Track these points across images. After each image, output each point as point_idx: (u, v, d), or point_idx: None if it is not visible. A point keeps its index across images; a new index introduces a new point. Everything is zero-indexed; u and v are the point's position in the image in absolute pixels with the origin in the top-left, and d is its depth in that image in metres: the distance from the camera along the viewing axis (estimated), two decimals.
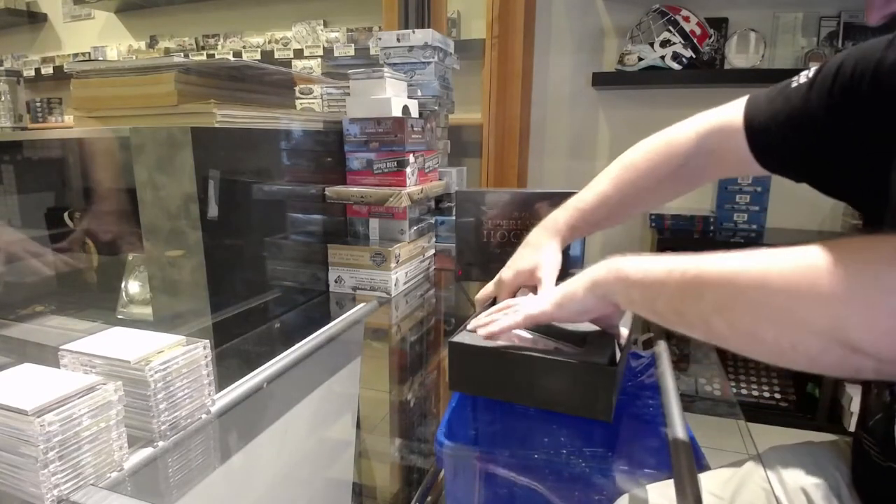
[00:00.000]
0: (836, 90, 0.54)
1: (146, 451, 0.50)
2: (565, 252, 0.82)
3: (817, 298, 0.35)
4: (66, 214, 1.06)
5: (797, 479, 0.61)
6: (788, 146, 0.60)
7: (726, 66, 2.05)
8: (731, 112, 0.67)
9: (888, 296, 0.32)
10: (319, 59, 2.81)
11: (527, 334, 0.64)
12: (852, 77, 0.52)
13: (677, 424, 0.50)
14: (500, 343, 0.61)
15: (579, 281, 0.56)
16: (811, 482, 0.60)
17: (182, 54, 3.09)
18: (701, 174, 0.74)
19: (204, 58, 2.97)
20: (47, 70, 3.39)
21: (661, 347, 0.63)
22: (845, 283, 0.34)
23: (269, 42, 2.93)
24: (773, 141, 0.61)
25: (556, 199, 1.06)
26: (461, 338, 0.62)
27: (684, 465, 0.43)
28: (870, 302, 0.33)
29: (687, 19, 2.00)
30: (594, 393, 0.54)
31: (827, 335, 0.35)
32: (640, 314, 0.51)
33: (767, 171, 0.64)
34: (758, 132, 0.63)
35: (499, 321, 0.61)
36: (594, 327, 0.65)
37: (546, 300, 0.59)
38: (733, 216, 2.07)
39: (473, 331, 0.63)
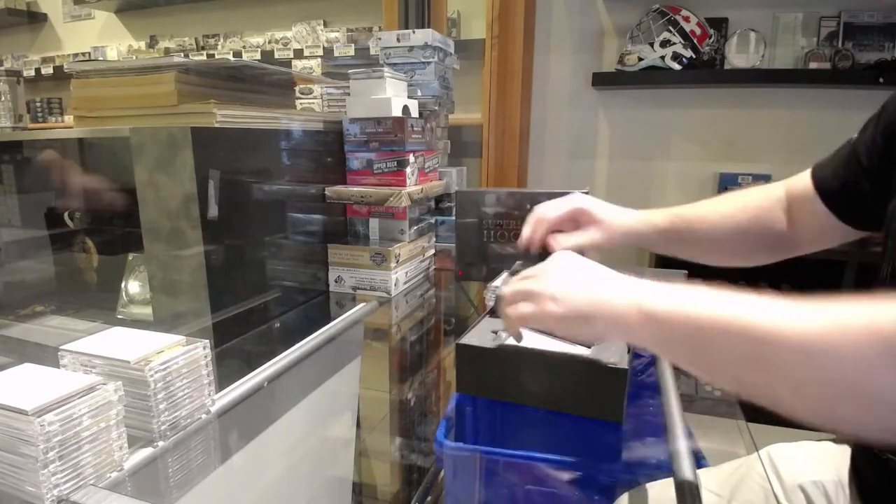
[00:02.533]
0: (878, 133, 0.58)
1: (146, 451, 0.50)
2: None
3: (875, 367, 0.31)
4: (66, 214, 1.06)
5: (795, 477, 0.62)
6: (851, 191, 0.61)
7: (726, 66, 2.05)
8: (799, 179, 0.69)
9: None
10: (319, 59, 2.81)
11: (533, 332, 0.64)
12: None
13: (677, 424, 0.50)
14: (509, 344, 0.61)
15: (597, 304, 0.47)
16: (809, 480, 0.61)
17: (182, 54, 3.09)
18: (783, 237, 0.69)
19: (204, 58, 2.97)
20: (47, 70, 3.39)
21: None
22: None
23: (269, 42, 2.93)
24: (838, 187, 0.63)
25: (556, 199, 1.06)
26: (469, 339, 0.61)
27: (684, 464, 0.43)
28: None
29: (687, 19, 2.00)
30: (606, 394, 0.54)
31: (872, 403, 0.32)
32: (653, 351, 0.48)
33: (853, 227, 0.63)
34: (825, 183, 0.64)
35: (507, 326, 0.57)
36: None
37: (554, 308, 0.50)
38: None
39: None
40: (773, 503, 0.59)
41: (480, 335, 0.62)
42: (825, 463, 0.62)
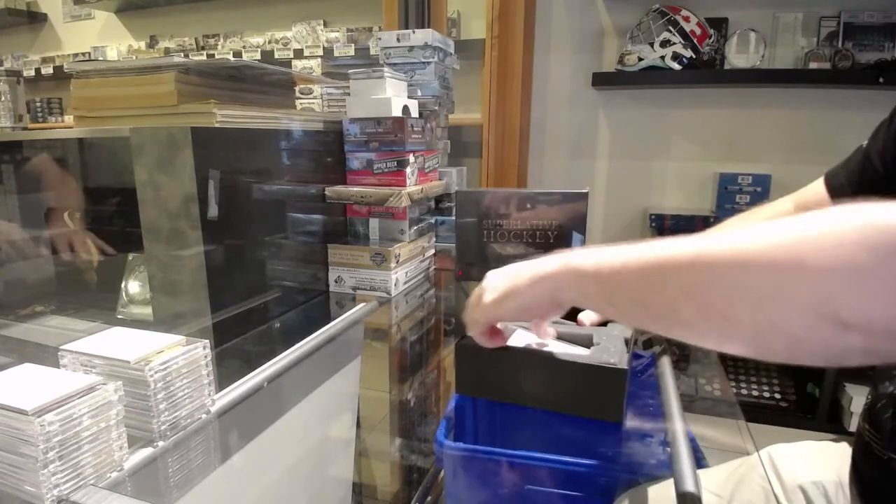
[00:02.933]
0: (891, 137, 0.58)
1: (146, 451, 0.50)
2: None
3: (801, 269, 0.32)
4: (65, 214, 1.06)
5: (796, 477, 0.62)
6: (867, 197, 0.62)
7: (726, 66, 2.05)
8: (808, 190, 0.69)
9: (879, 259, 0.30)
10: (319, 59, 2.82)
11: (533, 335, 0.64)
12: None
13: (677, 424, 0.50)
14: (509, 344, 0.61)
15: (522, 274, 0.50)
16: (809, 481, 0.61)
17: (182, 54, 3.09)
18: None
19: (204, 58, 2.97)
20: (47, 70, 3.39)
21: (662, 347, 0.63)
22: (833, 250, 0.31)
23: (269, 42, 2.94)
24: (853, 193, 0.63)
25: (557, 199, 1.06)
26: (469, 340, 0.61)
27: (684, 464, 0.43)
28: (860, 267, 0.30)
29: (687, 19, 2.00)
30: (606, 395, 0.54)
31: (813, 310, 0.32)
32: (597, 311, 0.47)
33: None
34: (840, 190, 0.65)
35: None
36: (597, 328, 0.65)
37: (490, 293, 0.53)
38: (733, 216, 2.07)
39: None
40: (773, 503, 0.59)
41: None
42: (825, 463, 0.62)
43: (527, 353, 0.58)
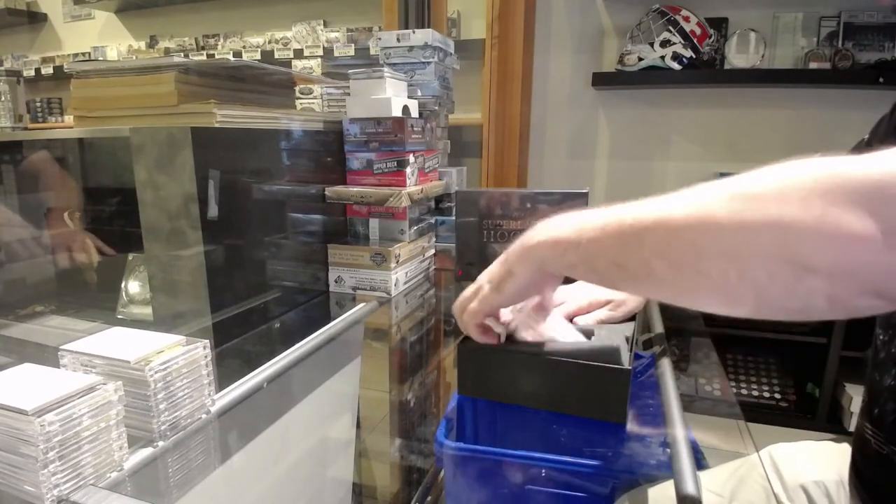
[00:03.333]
0: (892, 129, 0.59)
1: (146, 451, 0.50)
2: None
3: (763, 217, 0.34)
4: (65, 214, 1.06)
5: (797, 477, 0.62)
6: None
7: (726, 66, 2.05)
8: None
9: (837, 203, 0.31)
10: (319, 59, 2.82)
11: (538, 332, 0.64)
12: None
13: (677, 424, 0.50)
14: (510, 345, 0.60)
15: (511, 256, 0.52)
16: (811, 480, 0.61)
17: (182, 54, 3.09)
18: None
19: (204, 58, 2.97)
20: (47, 70, 3.39)
21: (661, 348, 0.63)
22: (792, 198, 0.33)
23: (269, 42, 2.94)
24: None
25: (557, 199, 1.06)
26: (471, 341, 0.61)
27: (684, 464, 0.43)
28: (819, 211, 0.32)
29: (687, 19, 2.00)
30: (610, 395, 0.54)
31: (775, 256, 0.33)
32: (581, 278, 0.48)
33: None
34: None
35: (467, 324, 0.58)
36: (600, 326, 0.65)
37: (487, 283, 0.54)
38: None
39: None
40: (773, 503, 0.59)
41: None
42: (826, 462, 0.62)
43: (530, 355, 0.58)
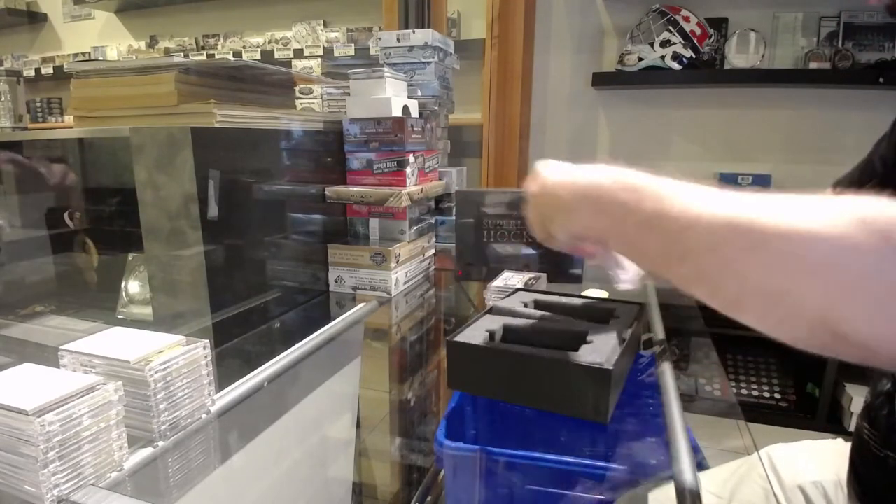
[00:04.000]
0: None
1: (146, 451, 0.50)
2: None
3: (812, 284, 0.32)
4: (65, 214, 1.06)
5: (795, 477, 0.62)
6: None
7: (726, 66, 2.05)
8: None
9: (885, 292, 0.30)
10: (319, 59, 2.82)
11: (535, 323, 0.64)
12: None
13: (677, 424, 0.50)
14: (497, 344, 0.61)
15: (571, 183, 0.48)
16: (809, 480, 0.61)
17: (182, 54, 3.09)
18: None
19: (204, 58, 2.97)
20: (47, 70, 3.39)
21: (661, 347, 0.63)
22: (843, 271, 0.31)
23: (269, 42, 2.94)
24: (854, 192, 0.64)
25: None
26: (460, 337, 0.62)
27: (684, 464, 0.43)
28: (867, 295, 0.30)
29: (687, 19, 2.00)
30: (590, 395, 0.54)
31: (817, 322, 0.32)
32: (623, 252, 0.45)
33: None
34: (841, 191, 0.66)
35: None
36: (600, 325, 0.65)
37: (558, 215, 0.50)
38: None
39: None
40: (773, 503, 0.59)
41: (473, 333, 0.62)
42: (825, 463, 0.63)
43: (513, 352, 0.58)
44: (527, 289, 0.81)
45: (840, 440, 0.66)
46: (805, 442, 0.67)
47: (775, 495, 0.61)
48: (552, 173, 0.52)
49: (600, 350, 0.56)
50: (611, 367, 0.52)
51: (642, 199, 0.41)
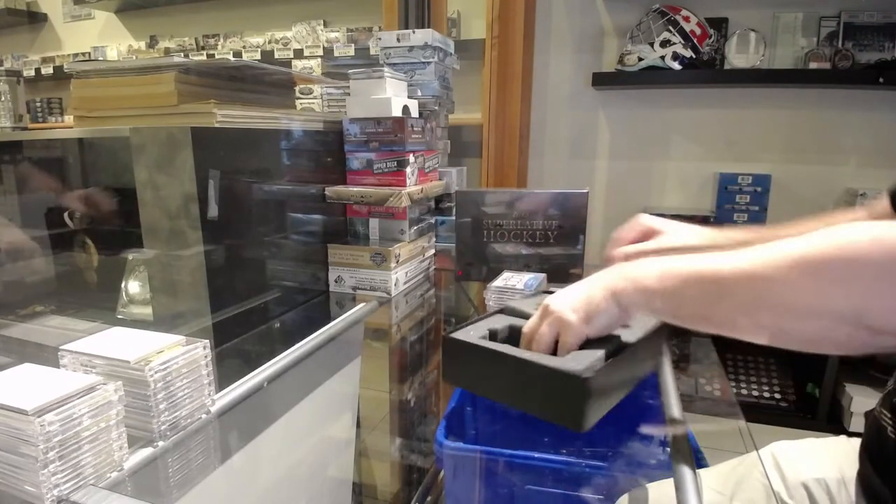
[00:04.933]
0: None
1: (146, 451, 0.50)
2: (566, 251, 0.81)
3: (841, 289, 0.37)
4: (65, 214, 1.06)
5: (798, 474, 0.62)
6: None
7: (726, 66, 2.05)
8: (877, 202, 0.68)
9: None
10: (319, 59, 2.81)
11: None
12: None
13: (677, 423, 0.50)
14: (486, 344, 0.60)
15: (595, 290, 0.54)
16: (812, 478, 0.61)
17: (182, 54, 3.09)
18: None
19: (204, 58, 2.97)
20: (47, 70, 3.39)
21: (661, 347, 0.63)
22: (872, 269, 0.36)
23: (269, 42, 2.93)
24: None
25: (556, 199, 1.06)
26: (455, 334, 0.61)
27: (684, 464, 0.43)
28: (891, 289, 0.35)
29: (687, 19, 2.00)
30: (567, 401, 0.52)
31: (854, 322, 0.37)
32: (662, 318, 0.52)
33: None
34: None
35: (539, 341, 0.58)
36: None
37: (572, 314, 0.55)
38: (733, 216, 2.07)
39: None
40: (774, 501, 0.59)
41: (469, 331, 0.62)
42: (828, 460, 0.62)
43: (499, 353, 0.58)
44: (548, 291, 0.80)
45: (843, 438, 0.66)
46: (809, 439, 0.67)
47: (777, 493, 0.61)
48: (560, 305, 0.57)
49: (584, 357, 0.54)
50: (589, 376, 0.50)
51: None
